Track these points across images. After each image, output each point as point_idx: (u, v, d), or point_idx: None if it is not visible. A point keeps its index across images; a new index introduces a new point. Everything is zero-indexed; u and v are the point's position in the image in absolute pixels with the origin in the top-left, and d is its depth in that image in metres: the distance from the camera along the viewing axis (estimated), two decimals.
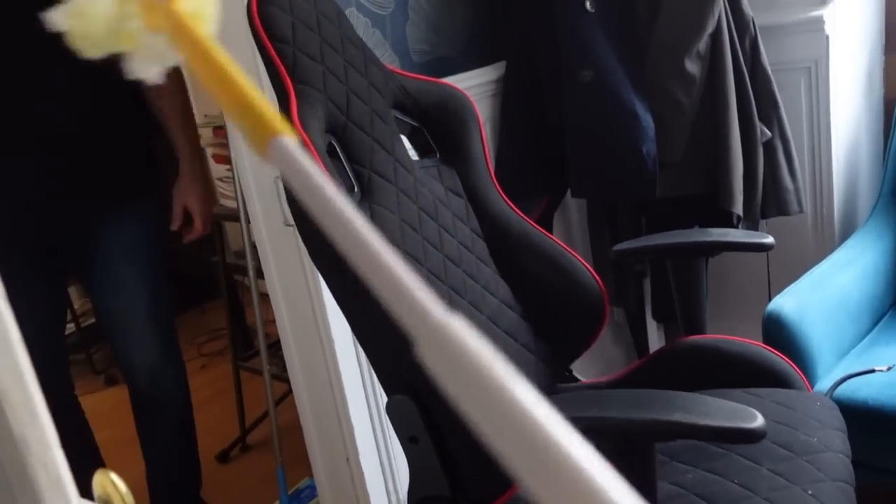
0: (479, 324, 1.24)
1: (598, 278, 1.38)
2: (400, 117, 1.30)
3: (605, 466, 0.20)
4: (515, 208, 1.39)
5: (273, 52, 1.07)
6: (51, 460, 0.41)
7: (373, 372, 1.60)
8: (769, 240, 1.32)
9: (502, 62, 1.82)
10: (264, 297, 2.85)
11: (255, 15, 1.07)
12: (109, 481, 0.59)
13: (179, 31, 0.40)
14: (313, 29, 1.13)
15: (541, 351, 1.36)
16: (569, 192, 1.99)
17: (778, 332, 1.50)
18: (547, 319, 1.38)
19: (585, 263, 1.38)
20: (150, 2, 0.42)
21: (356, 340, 1.57)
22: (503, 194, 1.40)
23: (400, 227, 1.15)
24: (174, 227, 1.73)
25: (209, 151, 2.21)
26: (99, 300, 1.75)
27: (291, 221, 1.50)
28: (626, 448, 0.83)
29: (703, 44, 1.61)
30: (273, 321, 2.89)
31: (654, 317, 2.01)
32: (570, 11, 1.61)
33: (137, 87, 1.69)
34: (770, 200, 1.75)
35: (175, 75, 1.71)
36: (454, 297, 1.21)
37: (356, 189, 1.13)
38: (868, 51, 1.97)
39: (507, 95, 1.81)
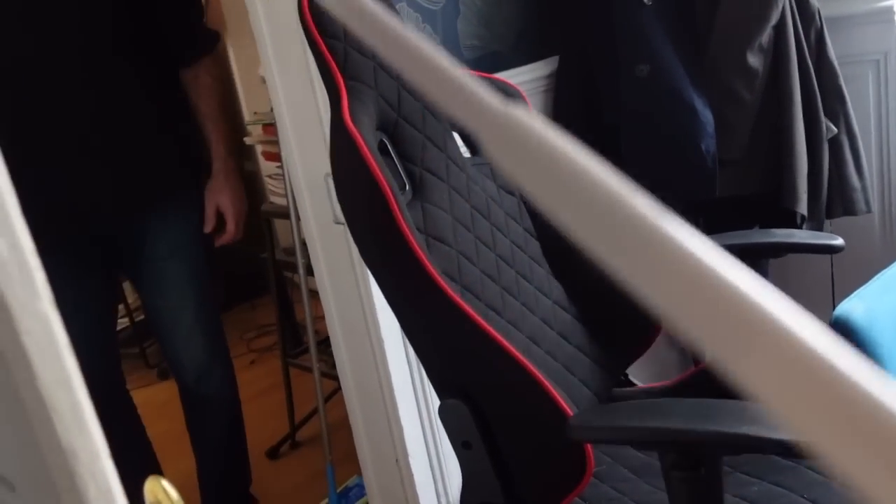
0: (533, 325, 1.21)
1: None
2: None
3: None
4: None
5: (324, 48, 1.05)
6: (100, 471, 0.40)
7: (423, 372, 1.58)
8: (838, 241, 1.26)
9: (555, 57, 1.78)
10: (313, 294, 2.86)
11: (307, 11, 1.06)
12: (161, 488, 0.58)
13: None
14: None
15: (596, 354, 1.33)
16: None
17: (845, 339, 1.43)
18: (602, 322, 1.34)
19: None
20: None
21: (406, 340, 1.55)
22: None
23: (452, 227, 1.12)
24: (207, 229, 1.71)
25: (259, 149, 2.21)
26: (147, 298, 1.76)
27: (341, 219, 1.49)
28: (690, 460, 0.79)
29: (766, 36, 1.55)
30: (323, 318, 2.90)
31: None
32: (627, 4, 1.56)
33: (178, 86, 1.69)
34: (836, 199, 1.68)
35: (214, 73, 1.70)
36: (507, 298, 1.18)
37: (408, 187, 1.11)
38: None
39: (560, 91, 1.77)
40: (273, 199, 2.22)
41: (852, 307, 1.48)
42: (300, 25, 1.34)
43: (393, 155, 1.11)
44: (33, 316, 0.38)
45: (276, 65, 1.49)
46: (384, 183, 0.92)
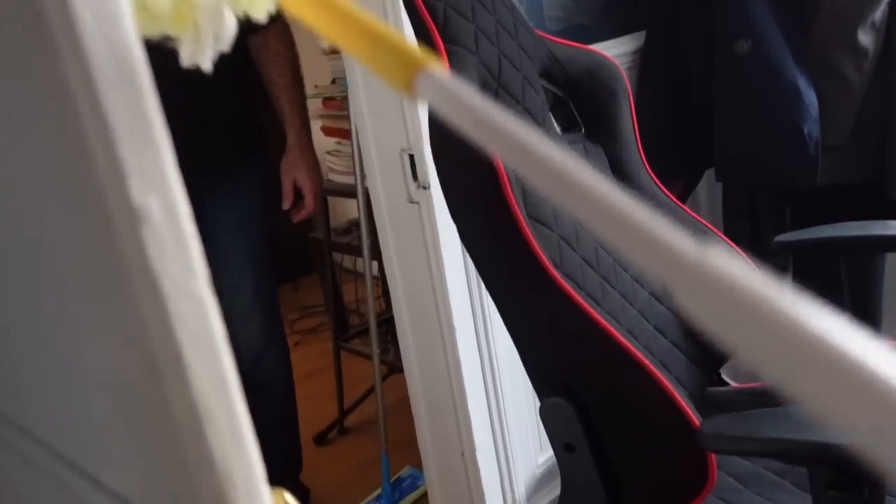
0: (631, 317, 1.12)
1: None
2: (546, 86, 1.18)
3: None
4: (667, 192, 1.25)
5: (423, 8, 0.96)
6: (257, 497, 0.31)
7: (494, 363, 1.49)
8: None
9: (641, 32, 1.67)
10: (360, 276, 2.78)
11: None
12: (283, 502, 0.50)
13: None
14: None
15: (691, 350, 1.23)
16: (703, 177, 1.83)
17: None
18: None
19: (736, 247, 1.23)
20: None
21: (480, 329, 1.47)
22: (654, 177, 1.26)
23: (553, 209, 1.02)
24: (285, 205, 1.64)
25: (319, 123, 2.13)
26: None
27: (416, 198, 1.40)
28: (851, 480, 0.69)
29: (878, 12, 1.43)
30: (366, 300, 2.81)
31: None
32: None
33: (245, 54, 1.61)
34: None
35: (285, 39, 1.62)
36: (606, 287, 1.08)
37: None
38: None
39: (647, 68, 1.66)
40: (331, 176, 2.13)
41: None
42: None
43: None
44: (188, 298, 0.29)
45: None
46: (501, 168, 0.83)
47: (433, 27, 0.95)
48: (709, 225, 1.24)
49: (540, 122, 1.08)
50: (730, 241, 1.26)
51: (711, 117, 1.58)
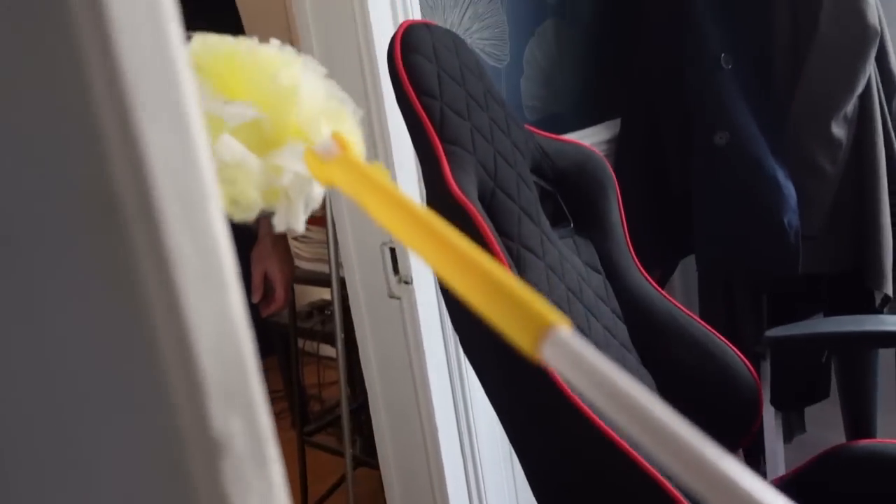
0: None
1: (751, 368, 1.20)
2: (536, 181, 1.15)
3: None
4: (657, 286, 1.23)
5: (420, 107, 0.93)
6: None
7: (477, 463, 1.42)
8: None
9: (616, 120, 1.67)
10: (321, 359, 2.68)
11: (400, 65, 0.93)
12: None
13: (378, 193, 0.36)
14: (459, 82, 0.99)
15: None
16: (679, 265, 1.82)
17: None
18: (694, 416, 1.20)
19: (736, 350, 1.20)
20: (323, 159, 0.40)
21: (462, 428, 1.40)
22: (643, 270, 1.23)
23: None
24: (255, 298, 1.56)
25: None
26: None
27: (397, 294, 1.35)
28: None
29: (850, 105, 1.46)
30: (331, 384, 2.70)
31: (773, 403, 1.81)
32: (703, 67, 1.46)
33: None
34: None
35: None
36: None
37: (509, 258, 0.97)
38: None
39: (622, 156, 1.66)
40: (298, 263, 2.06)
41: None
42: (360, 70, 1.21)
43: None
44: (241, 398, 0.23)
45: None
46: (507, 267, 0.79)
47: (430, 127, 0.92)
48: (689, 312, 1.21)
49: (535, 221, 1.04)
50: (707, 325, 1.23)
51: (689, 206, 1.58)
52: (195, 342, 0.20)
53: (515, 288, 0.28)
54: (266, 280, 1.55)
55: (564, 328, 0.27)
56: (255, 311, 3.39)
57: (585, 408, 0.85)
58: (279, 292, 1.55)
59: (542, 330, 0.27)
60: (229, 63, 0.45)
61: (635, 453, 0.81)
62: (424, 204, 0.93)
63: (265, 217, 1.46)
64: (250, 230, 1.55)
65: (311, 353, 2.90)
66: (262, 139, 0.45)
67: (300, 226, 0.47)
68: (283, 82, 0.45)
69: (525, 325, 0.27)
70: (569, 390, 0.81)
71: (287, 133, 0.45)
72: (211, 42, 0.45)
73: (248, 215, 0.45)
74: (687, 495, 0.83)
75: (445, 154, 0.91)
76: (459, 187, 0.86)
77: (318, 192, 0.47)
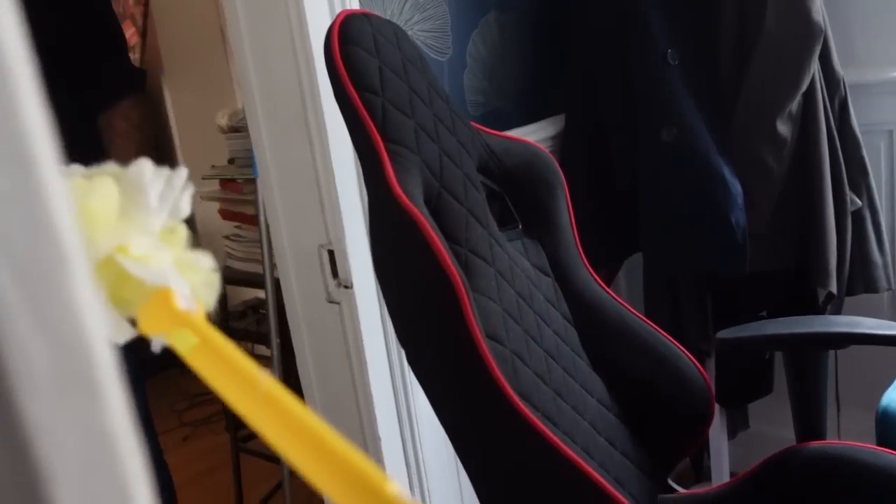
0: (584, 432, 1.02)
1: (703, 370, 1.17)
2: (483, 181, 1.09)
3: None
4: (607, 288, 1.19)
5: (360, 104, 0.86)
6: None
7: (422, 474, 1.37)
8: None
9: (561, 115, 1.63)
10: (257, 359, 2.59)
11: (338, 57, 0.86)
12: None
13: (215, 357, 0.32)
14: (401, 77, 0.93)
15: (640, 459, 1.15)
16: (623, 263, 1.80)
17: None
18: (646, 420, 1.17)
19: (687, 353, 1.18)
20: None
21: (406, 436, 1.34)
22: (593, 272, 1.19)
23: (504, 321, 0.93)
24: None
25: (216, 206, 1.98)
26: None
27: (336, 298, 1.28)
28: None
29: (795, 103, 1.44)
30: None
31: (718, 400, 1.81)
32: (650, 63, 1.43)
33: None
34: (857, 277, 1.58)
35: (133, 118, 1.42)
36: (559, 402, 0.99)
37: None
38: None
39: (567, 153, 1.62)
40: (230, 262, 1.97)
41: None
42: (294, 64, 1.15)
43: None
44: None
45: (263, 113, 1.27)
46: (459, 282, 0.73)
47: (371, 126, 0.85)
48: (640, 314, 1.18)
49: (483, 224, 0.99)
50: (658, 328, 1.20)
51: (634, 203, 1.55)
52: (49, 477, 0.14)
53: (362, 466, 0.26)
54: None
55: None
56: None
57: (534, 418, 0.81)
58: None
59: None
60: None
61: (579, 459, 0.77)
62: (368, 208, 0.87)
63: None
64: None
65: (246, 353, 2.80)
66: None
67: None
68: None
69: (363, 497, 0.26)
70: (517, 401, 0.76)
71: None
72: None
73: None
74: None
75: (388, 154, 0.85)
76: (404, 191, 0.79)
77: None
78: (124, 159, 1.26)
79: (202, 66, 2.78)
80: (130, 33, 3.15)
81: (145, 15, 3.12)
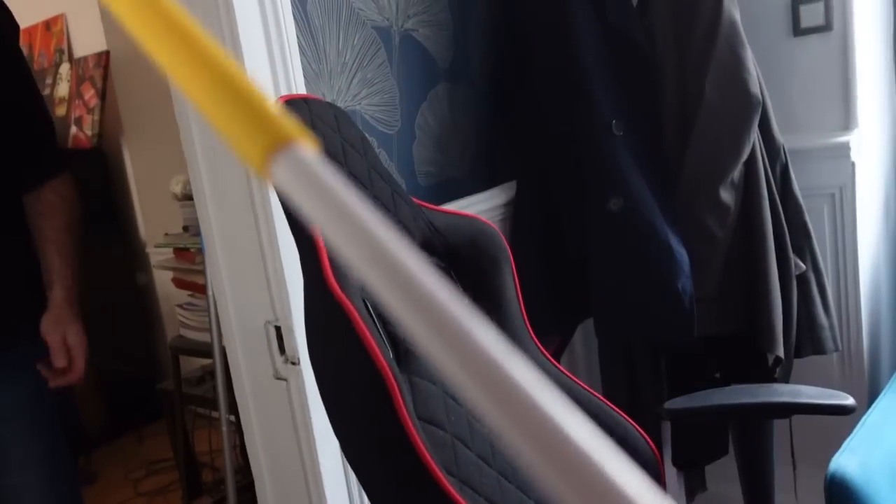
0: None
1: (650, 441, 1.17)
2: (427, 258, 1.10)
3: None
4: (556, 362, 1.19)
5: None
6: None
7: None
8: (850, 401, 1.16)
9: (512, 183, 1.65)
10: (213, 422, 2.53)
11: None
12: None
13: None
14: (340, 161, 0.93)
15: None
16: (577, 330, 1.80)
17: (844, 499, 1.31)
18: None
19: (635, 424, 1.18)
20: None
21: None
22: (541, 347, 1.20)
23: (444, 404, 0.92)
24: (59, 363, 1.35)
25: (169, 275, 1.95)
26: None
27: (283, 374, 1.26)
28: None
29: (737, 171, 1.48)
30: (220, 450, 2.56)
31: (675, 463, 1.81)
32: (595, 133, 1.46)
33: (18, 207, 1.40)
34: (805, 339, 1.60)
35: (63, 192, 1.41)
36: (504, 483, 0.98)
37: (390, 357, 0.91)
38: (884, 176, 1.88)
39: (519, 220, 1.64)
40: (183, 332, 1.94)
41: (846, 462, 1.37)
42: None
43: (373, 317, 0.91)
44: None
45: (209, 186, 1.27)
46: (390, 377, 0.73)
47: None
48: (586, 386, 1.18)
49: None
50: (606, 401, 1.20)
51: (585, 270, 1.56)
52: None
53: (257, 93, 0.24)
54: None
55: (304, 147, 0.23)
56: (138, 377, 3.17)
57: (458, 497, 0.80)
58: (79, 362, 1.37)
59: (276, 145, 0.22)
60: None
61: None
62: (304, 296, 0.87)
63: (59, 282, 1.30)
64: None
65: (203, 415, 2.75)
66: None
67: None
68: None
69: (257, 134, 0.23)
70: (449, 489, 0.75)
71: None
72: None
73: None
74: None
75: (324, 241, 0.85)
76: (337, 280, 0.79)
77: None
78: (52, 228, 1.25)
79: (160, 130, 2.78)
80: (90, 95, 3.15)
81: (104, 77, 3.12)
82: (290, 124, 0.23)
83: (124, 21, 0.27)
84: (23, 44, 3.53)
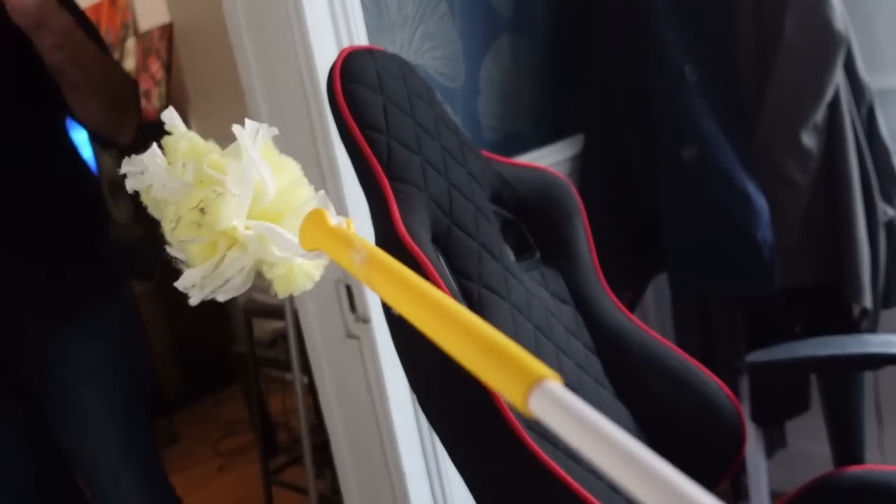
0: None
1: (733, 397, 1.14)
2: (497, 211, 1.07)
3: None
4: (630, 314, 1.16)
5: (364, 143, 0.85)
6: None
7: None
8: None
9: (579, 136, 1.61)
10: (287, 385, 2.57)
11: (341, 97, 0.86)
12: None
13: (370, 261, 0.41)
14: (407, 112, 0.92)
15: None
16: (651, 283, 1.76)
17: None
18: (675, 450, 1.13)
19: (717, 379, 1.14)
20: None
21: (432, 472, 1.32)
22: (615, 298, 1.17)
23: None
24: None
25: None
26: (60, 438, 1.35)
27: (355, 333, 1.26)
28: None
29: (820, 114, 1.40)
30: (294, 410, 2.61)
31: (754, 419, 1.76)
32: (667, 80, 1.40)
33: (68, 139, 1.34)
34: (893, 288, 1.52)
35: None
36: None
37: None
38: None
39: (587, 174, 1.60)
40: (254, 294, 1.97)
41: None
42: (304, 100, 1.14)
43: (448, 271, 0.89)
44: None
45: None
46: None
47: (377, 165, 0.84)
48: (665, 340, 1.14)
49: (496, 257, 0.97)
50: (686, 354, 1.16)
51: (658, 223, 1.52)
52: None
53: (505, 344, 0.30)
54: None
55: (553, 382, 0.28)
56: (214, 341, 3.23)
57: (548, 459, 0.78)
58: None
59: (531, 384, 0.28)
60: (272, 158, 0.52)
61: (587, 494, 0.74)
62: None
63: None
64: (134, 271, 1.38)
65: (277, 378, 2.81)
66: (254, 209, 0.49)
67: (195, 300, 0.49)
68: (298, 193, 0.52)
69: (514, 380, 0.28)
70: (531, 443, 0.73)
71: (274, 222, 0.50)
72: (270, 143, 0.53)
73: (189, 234, 0.47)
74: None
75: (394, 193, 0.84)
76: (409, 231, 0.78)
77: (248, 283, 0.51)
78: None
79: (227, 99, 2.81)
80: (156, 68, 3.20)
81: (169, 49, 3.17)
82: (539, 365, 0.28)
83: (388, 298, 0.37)
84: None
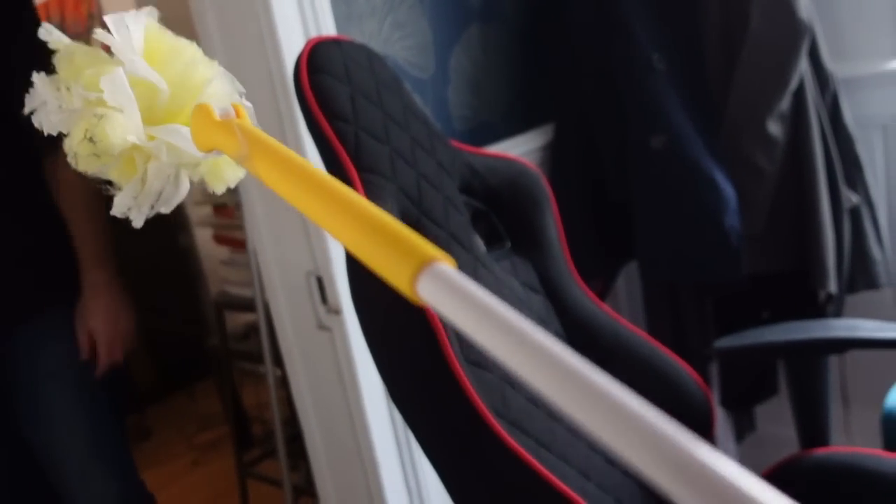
0: (580, 453, 1.00)
1: (701, 382, 1.15)
2: (467, 201, 1.08)
3: None
4: (601, 303, 1.17)
5: (331, 134, 0.85)
6: None
7: (423, 498, 1.35)
8: None
9: (549, 125, 1.61)
10: (261, 378, 2.56)
11: (307, 87, 0.85)
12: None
13: (257, 148, 0.38)
14: (375, 102, 0.91)
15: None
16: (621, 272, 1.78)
17: None
18: None
19: (687, 365, 1.15)
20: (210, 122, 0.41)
21: (405, 461, 1.32)
22: (585, 287, 1.18)
23: None
24: (83, 355, 1.33)
25: (210, 231, 1.96)
26: (29, 435, 1.34)
27: (327, 324, 1.26)
28: None
29: (785, 102, 1.42)
30: (268, 403, 2.61)
31: (723, 404, 1.78)
32: (635, 69, 1.41)
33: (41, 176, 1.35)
34: (857, 274, 1.55)
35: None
36: (554, 426, 0.97)
37: None
38: None
39: (557, 163, 1.60)
40: (227, 287, 1.96)
41: None
42: (271, 90, 1.14)
43: None
44: None
45: None
46: (435, 317, 0.71)
47: (345, 156, 0.84)
48: (634, 328, 1.16)
49: (466, 247, 0.97)
50: (655, 342, 1.18)
51: (628, 212, 1.53)
52: None
53: (392, 226, 0.28)
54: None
55: (443, 264, 0.26)
56: (187, 335, 3.21)
57: (517, 447, 0.79)
58: (101, 352, 1.33)
59: (419, 267, 0.26)
60: (162, 45, 0.47)
61: (568, 490, 0.75)
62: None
63: (86, 265, 1.25)
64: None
65: (251, 371, 2.79)
66: (153, 112, 0.44)
67: (139, 220, 0.45)
68: (196, 75, 0.46)
69: (401, 263, 0.26)
70: (499, 430, 0.74)
71: (178, 119, 0.45)
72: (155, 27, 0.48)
73: (93, 166, 0.43)
74: None
75: (362, 184, 0.83)
76: None
77: (181, 192, 0.46)
78: (71, 209, 1.23)
79: None
80: None
81: None
82: (428, 246, 0.26)
83: (277, 188, 0.34)
84: (53, 12, 3.54)
